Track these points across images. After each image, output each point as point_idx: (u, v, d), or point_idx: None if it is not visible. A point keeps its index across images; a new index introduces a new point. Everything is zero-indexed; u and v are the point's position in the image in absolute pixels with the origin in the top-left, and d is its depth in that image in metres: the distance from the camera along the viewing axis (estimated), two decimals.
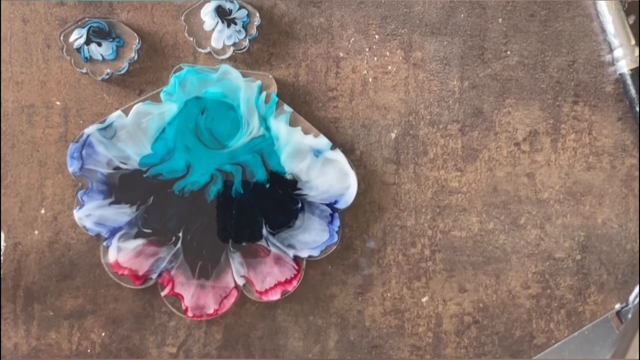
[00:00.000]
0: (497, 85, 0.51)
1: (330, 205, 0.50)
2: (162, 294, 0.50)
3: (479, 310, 0.51)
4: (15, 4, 0.51)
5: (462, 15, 0.51)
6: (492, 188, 0.51)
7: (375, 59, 0.51)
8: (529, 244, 0.51)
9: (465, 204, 0.51)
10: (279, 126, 0.50)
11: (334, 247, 0.50)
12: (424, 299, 0.51)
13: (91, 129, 0.50)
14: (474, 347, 0.51)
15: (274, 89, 0.50)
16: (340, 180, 0.50)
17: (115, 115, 0.50)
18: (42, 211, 0.51)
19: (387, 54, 0.51)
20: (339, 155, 0.50)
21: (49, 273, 0.51)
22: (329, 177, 0.50)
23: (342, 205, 0.50)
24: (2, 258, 0.51)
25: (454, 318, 0.51)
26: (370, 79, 0.51)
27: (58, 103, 0.51)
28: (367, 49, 0.51)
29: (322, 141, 0.50)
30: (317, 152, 0.50)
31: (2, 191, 0.51)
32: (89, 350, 0.51)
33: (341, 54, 0.51)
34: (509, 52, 0.51)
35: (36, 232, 0.51)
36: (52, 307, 0.51)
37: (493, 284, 0.51)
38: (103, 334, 0.51)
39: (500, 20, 0.51)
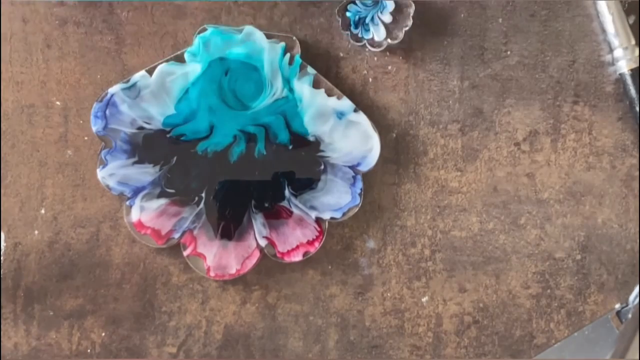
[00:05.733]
0: (497, 85, 0.51)
1: (353, 168, 0.50)
2: (185, 253, 0.50)
3: (479, 310, 0.51)
4: (16, 4, 0.51)
5: (462, 15, 0.51)
6: (492, 188, 0.51)
7: (375, 59, 0.51)
8: (529, 244, 0.51)
9: (465, 204, 0.51)
10: (303, 88, 0.49)
11: (356, 209, 0.50)
12: (424, 299, 0.51)
13: (115, 88, 0.49)
14: (474, 347, 0.51)
15: (297, 50, 0.50)
16: (363, 142, 0.50)
17: (139, 75, 0.49)
18: (42, 211, 0.51)
19: (387, 54, 0.51)
20: (362, 118, 0.50)
21: (49, 273, 0.51)
22: (352, 139, 0.50)
23: (364, 167, 0.50)
24: (2, 258, 0.51)
25: (454, 318, 0.51)
26: (370, 79, 0.51)
27: (58, 103, 0.51)
28: (367, 49, 0.51)
29: (346, 103, 0.50)
30: (340, 114, 0.50)
31: (2, 191, 0.51)
32: (89, 350, 0.51)
33: (341, 54, 0.51)
34: (509, 52, 0.51)
35: (36, 232, 0.51)
36: (52, 307, 0.51)
37: (493, 284, 0.51)
38: (103, 334, 0.51)
39: (500, 20, 0.51)
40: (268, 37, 0.49)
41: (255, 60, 0.49)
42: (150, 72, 0.49)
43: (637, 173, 0.51)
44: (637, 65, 0.50)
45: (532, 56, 0.51)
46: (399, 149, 0.51)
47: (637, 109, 0.50)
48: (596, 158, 0.51)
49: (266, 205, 0.50)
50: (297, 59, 0.49)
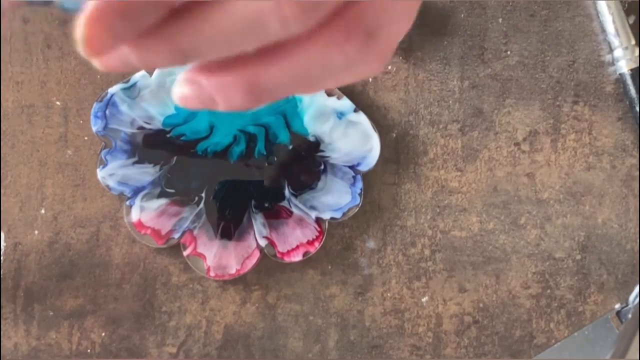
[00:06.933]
0: (497, 85, 0.51)
1: (353, 168, 0.50)
2: (185, 253, 0.50)
3: (479, 310, 0.51)
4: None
5: (462, 15, 0.51)
6: (492, 188, 0.51)
7: None
8: (529, 244, 0.51)
9: (465, 204, 0.51)
10: None
11: (356, 209, 0.50)
12: (424, 299, 0.51)
13: (115, 88, 0.49)
14: (474, 347, 0.51)
15: None
16: (363, 142, 0.50)
17: (139, 75, 0.49)
18: (42, 211, 0.51)
19: None
20: (362, 118, 0.50)
21: (49, 273, 0.51)
22: (352, 139, 0.50)
23: (364, 167, 0.50)
24: (2, 258, 0.51)
25: (454, 318, 0.51)
26: (370, 79, 0.51)
27: (58, 103, 0.51)
28: None
29: (346, 103, 0.50)
30: (340, 114, 0.50)
31: (2, 191, 0.51)
32: (89, 350, 0.51)
33: None
34: (509, 52, 0.51)
35: (36, 232, 0.51)
36: (52, 307, 0.51)
37: (493, 284, 0.51)
38: (103, 334, 0.51)
39: (500, 20, 0.51)
40: None
41: None
42: (150, 72, 0.49)
43: (637, 173, 0.51)
44: (637, 65, 0.50)
45: (532, 56, 0.51)
46: (399, 149, 0.51)
47: (637, 109, 0.50)
48: (596, 158, 0.51)
49: (266, 205, 0.50)
50: None
